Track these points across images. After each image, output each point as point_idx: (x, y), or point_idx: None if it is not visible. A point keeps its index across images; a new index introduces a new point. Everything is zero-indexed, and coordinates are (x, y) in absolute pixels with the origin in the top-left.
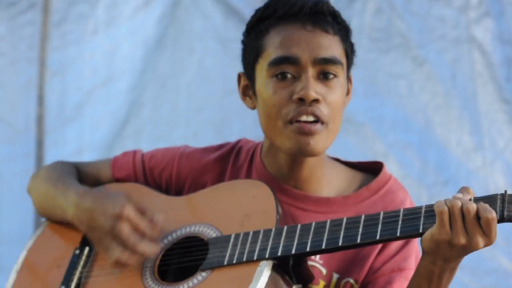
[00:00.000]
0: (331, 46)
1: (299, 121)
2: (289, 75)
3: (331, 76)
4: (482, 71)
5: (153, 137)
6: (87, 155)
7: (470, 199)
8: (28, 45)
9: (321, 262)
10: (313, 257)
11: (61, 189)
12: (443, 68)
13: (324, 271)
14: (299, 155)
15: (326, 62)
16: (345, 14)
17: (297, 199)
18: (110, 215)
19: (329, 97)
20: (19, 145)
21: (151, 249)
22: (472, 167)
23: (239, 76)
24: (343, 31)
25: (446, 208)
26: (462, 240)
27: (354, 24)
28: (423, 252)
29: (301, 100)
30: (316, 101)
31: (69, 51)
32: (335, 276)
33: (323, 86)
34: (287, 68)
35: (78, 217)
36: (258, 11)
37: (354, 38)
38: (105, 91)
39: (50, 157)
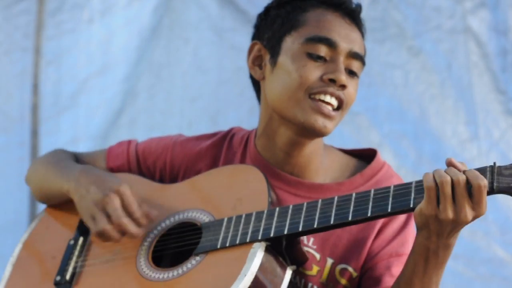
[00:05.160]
0: (362, 45)
1: (321, 100)
2: (322, 57)
3: (355, 75)
4: (478, 61)
5: (148, 126)
6: (82, 144)
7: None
8: (24, 34)
9: (314, 247)
10: (306, 242)
11: (63, 168)
12: (439, 58)
13: (317, 256)
14: (309, 132)
15: (357, 57)
16: None
17: (290, 185)
18: (107, 187)
19: (350, 91)
20: (14, 134)
21: (134, 229)
22: (467, 157)
23: (253, 45)
24: (364, 35)
25: (433, 184)
26: (450, 214)
27: None
28: (417, 227)
29: (332, 81)
30: (343, 86)
31: (64, 40)
32: (329, 261)
33: (348, 78)
34: (323, 48)
35: (74, 187)
36: None
37: None
38: (100, 80)
39: (45, 146)
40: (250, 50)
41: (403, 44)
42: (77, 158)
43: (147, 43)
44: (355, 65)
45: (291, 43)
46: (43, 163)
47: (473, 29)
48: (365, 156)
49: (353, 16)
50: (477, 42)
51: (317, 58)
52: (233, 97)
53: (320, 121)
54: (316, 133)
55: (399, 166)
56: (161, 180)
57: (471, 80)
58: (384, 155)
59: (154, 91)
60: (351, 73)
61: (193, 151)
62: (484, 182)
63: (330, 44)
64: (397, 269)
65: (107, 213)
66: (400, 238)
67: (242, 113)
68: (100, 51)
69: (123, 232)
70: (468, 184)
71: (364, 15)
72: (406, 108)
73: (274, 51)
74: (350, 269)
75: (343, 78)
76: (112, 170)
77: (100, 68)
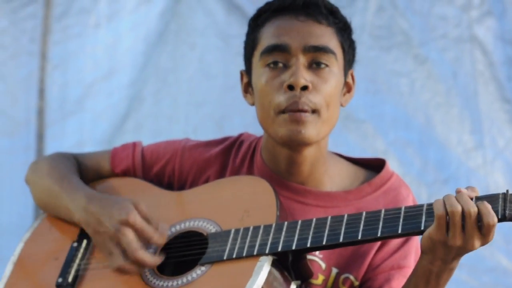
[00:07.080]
0: (323, 36)
1: (292, 110)
2: (280, 64)
3: (323, 65)
4: (483, 70)
5: (153, 131)
6: (87, 149)
7: (472, 198)
8: (30, 39)
9: (320, 256)
10: None
11: (68, 189)
12: (444, 66)
13: (323, 265)
14: (291, 143)
15: (316, 50)
16: (347, 12)
17: (297, 193)
18: (116, 220)
19: (320, 86)
20: (20, 138)
21: (151, 260)
22: (472, 166)
23: (241, 74)
24: (340, 24)
25: (444, 213)
26: (458, 242)
27: (356, 21)
28: (422, 251)
29: (291, 87)
30: (305, 88)
31: (70, 44)
32: (334, 270)
33: (314, 75)
34: (278, 56)
35: (86, 220)
36: (258, 8)
37: (356, 36)
38: (106, 85)
39: (50, 150)
40: (241, 79)
41: (409, 52)
42: (79, 162)
43: (153, 48)
44: (319, 57)
45: (255, 63)
46: (45, 177)
47: (479, 38)
48: (373, 166)
49: (308, 11)
50: (483, 51)
51: (274, 67)
52: (238, 103)
53: (293, 129)
54: (297, 142)
55: (404, 174)
56: (169, 186)
57: (477, 89)
58: (389, 163)
59: (160, 96)
60: (318, 65)
61: (202, 158)
62: (495, 220)
63: (282, 49)
64: (397, 282)
65: (123, 246)
66: (402, 251)
67: (248, 119)
68: (106, 56)
69: (141, 264)
70: (479, 216)
71: (370, 23)
72: (411, 116)
73: (249, 75)
74: (352, 277)
75: (301, 80)
76: (117, 174)
77: (106, 73)
